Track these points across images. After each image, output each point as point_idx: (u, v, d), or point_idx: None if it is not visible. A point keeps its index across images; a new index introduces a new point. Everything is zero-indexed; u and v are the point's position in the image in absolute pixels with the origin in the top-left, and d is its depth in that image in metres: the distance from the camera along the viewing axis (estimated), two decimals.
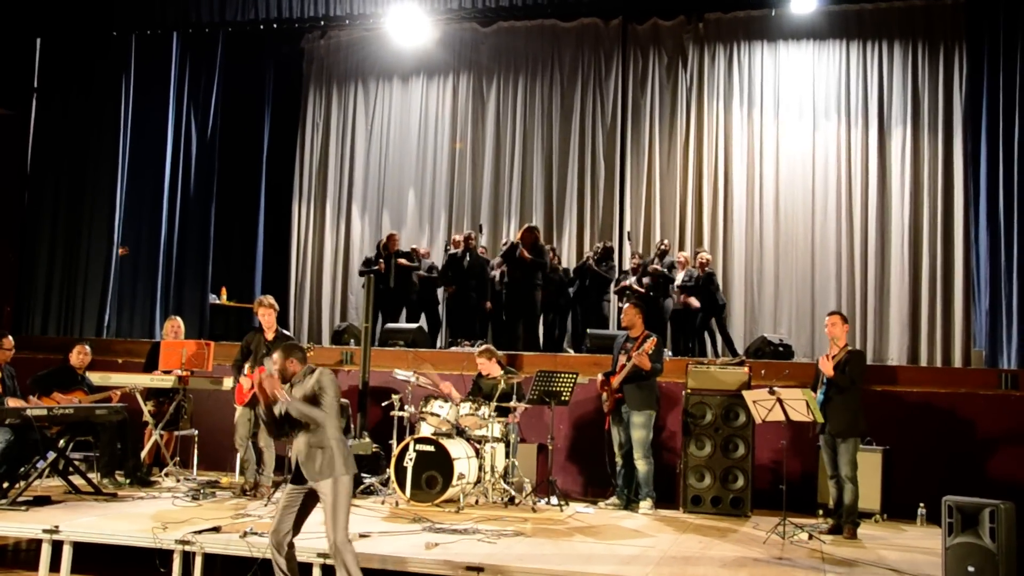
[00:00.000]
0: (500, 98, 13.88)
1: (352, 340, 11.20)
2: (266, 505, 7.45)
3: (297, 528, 5.27)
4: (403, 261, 11.94)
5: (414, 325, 11.27)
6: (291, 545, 5.25)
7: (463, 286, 11.63)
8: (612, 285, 11.80)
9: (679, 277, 11.48)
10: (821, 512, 7.99)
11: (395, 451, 8.09)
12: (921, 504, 7.90)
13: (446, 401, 8.27)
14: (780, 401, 6.97)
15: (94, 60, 12.19)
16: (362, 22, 11.49)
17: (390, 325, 11.47)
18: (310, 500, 5.25)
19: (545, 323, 11.88)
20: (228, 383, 8.39)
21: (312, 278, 14.37)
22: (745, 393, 7.49)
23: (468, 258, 11.66)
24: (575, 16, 13.42)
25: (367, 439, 8.71)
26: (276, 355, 5.32)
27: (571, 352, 11.34)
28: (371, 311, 9.52)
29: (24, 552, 7.17)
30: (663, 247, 11.88)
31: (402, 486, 7.89)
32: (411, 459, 7.89)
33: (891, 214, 12.27)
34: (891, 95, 12.42)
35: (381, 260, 11.88)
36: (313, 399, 5.17)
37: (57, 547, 6.23)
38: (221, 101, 13.38)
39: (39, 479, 7.68)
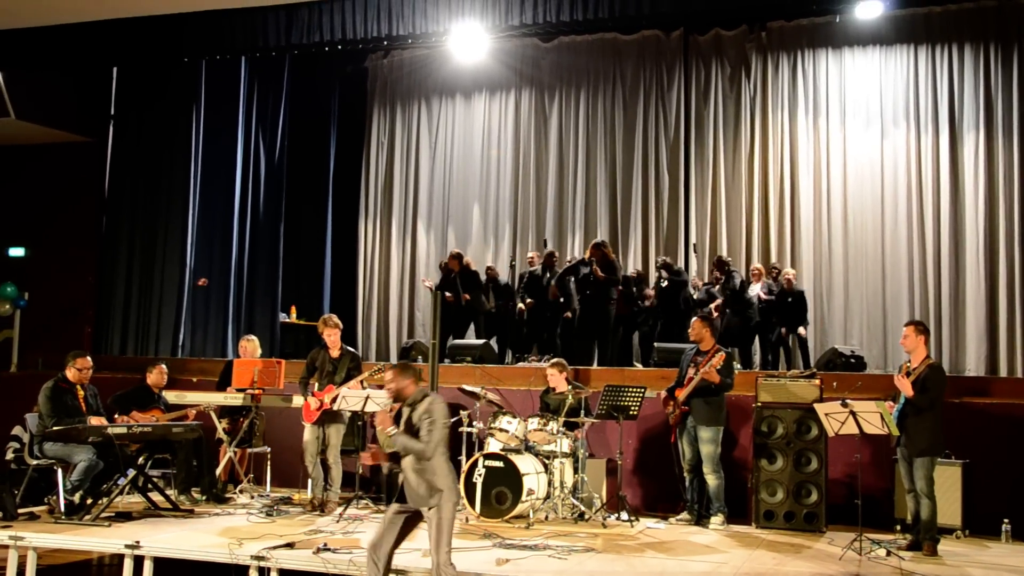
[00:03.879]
0: (562, 113, 13.90)
1: (420, 356, 11.30)
2: (337, 521, 7.54)
3: (397, 544, 5.35)
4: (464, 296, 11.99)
5: (481, 341, 11.32)
6: (389, 560, 5.32)
7: (541, 303, 11.59)
8: (688, 290, 11.66)
9: (756, 289, 11.31)
10: (899, 528, 7.79)
11: (464, 467, 8.12)
12: (1005, 520, 7.66)
13: (514, 417, 8.29)
14: (854, 414, 6.83)
15: (166, 86, 12.57)
16: (424, 41, 11.59)
17: (457, 341, 11.54)
18: (414, 519, 5.33)
19: (621, 337, 11.79)
20: (298, 401, 8.52)
21: (379, 295, 14.53)
22: (817, 406, 7.35)
23: (548, 275, 11.65)
24: (636, 29, 13.37)
25: None
26: (389, 375, 5.36)
27: (639, 366, 11.27)
28: (438, 327, 9.59)
29: (107, 567, 7.38)
30: (725, 267, 11.62)
31: (472, 502, 7.92)
32: (480, 475, 7.92)
33: (965, 221, 11.95)
34: (962, 99, 12.12)
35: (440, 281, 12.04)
36: (418, 427, 5.24)
37: (138, 562, 6.40)
38: (288, 122, 13.71)
39: (120, 496, 7.88)
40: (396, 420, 5.33)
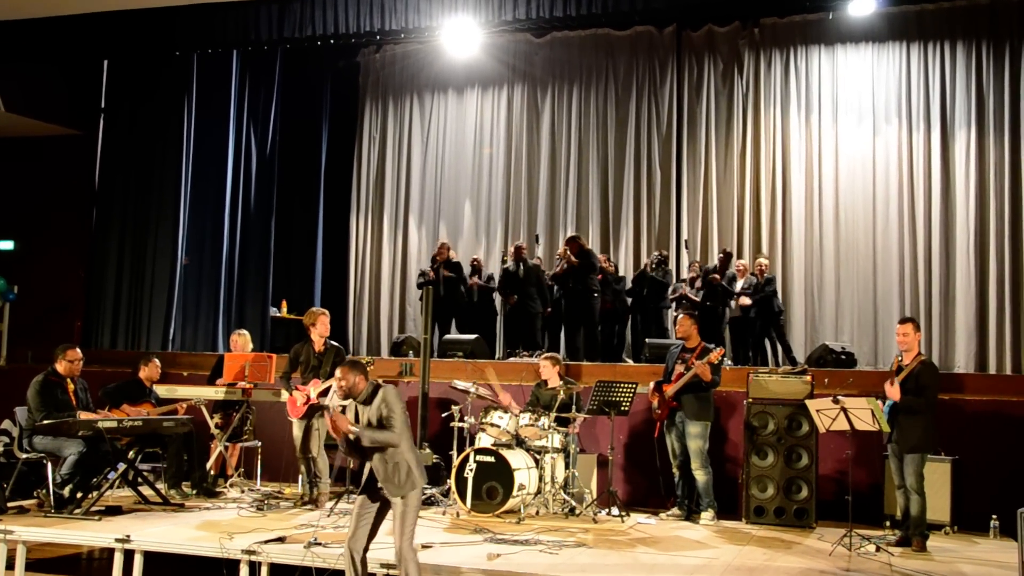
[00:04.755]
0: (555, 108, 13.89)
1: (411, 352, 11.30)
2: (328, 515, 7.52)
3: (371, 537, 5.36)
4: (447, 273, 12.02)
5: (472, 336, 11.31)
6: (365, 552, 5.33)
7: (521, 296, 11.62)
8: (669, 292, 11.72)
9: (738, 285, 11.37)
10: (888, 524, 7.84)
11: (455, 462, 8.12)
12: (994, 516, 7.69)
13: (506, 412, 8.29)
14: (844, 410, 6.86)
15: (158, 79, 12.51)
16: (417, 35, 11.57)
17: (448, 336, 11.54)
18: (383, 510, 5.34)
19: (604, 333, 11.83)
20: (285, 395, 8.51)
21: (370, 290, 14.50)
22: (808, 402, 7.38)
23: (522, 268, 11.68)
24: (629, 25, 13.34)
25: (427, 450, 8.76)
26: (339, 373, 5.37)
27: (630, 362, 11.29)
28: (429, 322, 9.59)
29: (97, 560, 7.36)
30: (724, 254, 11.68)
31: (463, 497, 7.92)
32: (471, 470, 7.92)
33: (955, 218, 11.98)
34: (954, 97, 12.14)
35: (431, 270, 12.05)
36: (381, 420, 5.24)
37: (129, 556, 6.38)
38: (279, 116, 13.66)
39: (110, 489, 7.85)
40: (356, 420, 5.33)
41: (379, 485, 5.26)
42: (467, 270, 12.63)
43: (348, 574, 5.28)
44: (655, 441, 8.36)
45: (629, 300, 11.98)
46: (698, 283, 11.56)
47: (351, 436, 5.21)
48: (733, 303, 11.36)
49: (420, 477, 5.27)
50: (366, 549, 5.34)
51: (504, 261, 12.31)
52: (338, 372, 5.40)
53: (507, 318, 12.07)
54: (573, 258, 11.05)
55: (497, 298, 12.46)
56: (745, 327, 11.46)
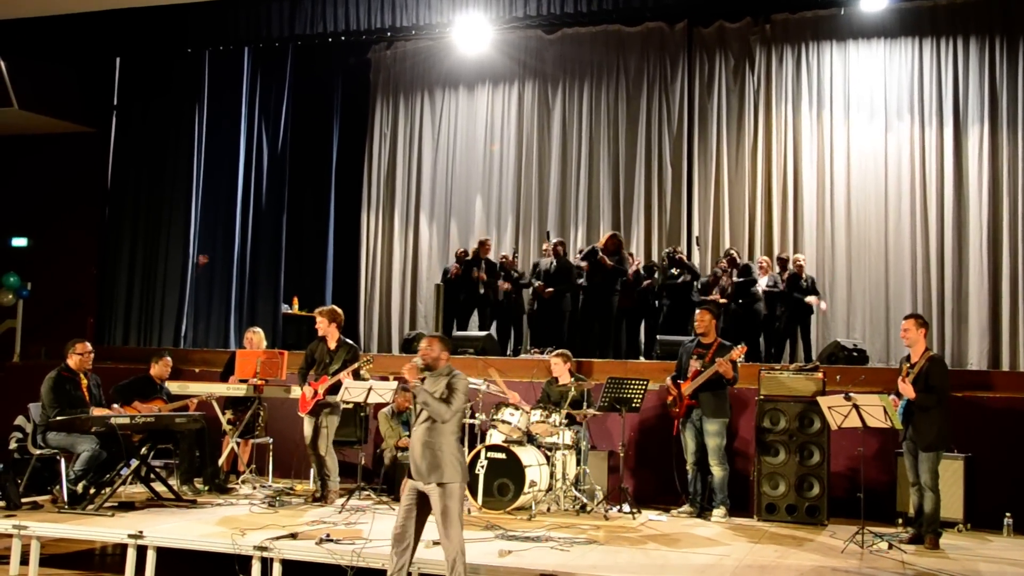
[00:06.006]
0: (565, 105, 13.87)
1: None
2: (339, 512, 7.54)
3: (418, 532, 5.29)
4: (481, 275, 11.97)
5: (483, 333, 11.31)
6: (415, 544, 5.27)
7: (554, 292, 11.57)
8: (695, 294, 11.65)
9: (763, 282, 11.33)
10: (900, 521, 7.80)
11: (466, 458, 8.12)
12: (1007, 514, 7.66)
13: (517, 408, 8.29)
14: (856, 407, 6.84)
15: (170, 77, 12.55)
16: (428, 32, 11.60)
17: (459, 333, 11.54)
18: (426, 503, 5.25)
19: (620, 329, 11.80)
20: (298, 392, 8.52)
21: (381, 287, 14.52)
22: (820, 399, 7.35)
23: (554, 264, 11.64)
24: (640, 21, 13.33)
25: None
26: (424, 343, 5.39)
27: (641, 359, 11.26)
28: (440, 319, 9.59)
29: (110, 556, 7.39)
30: (732, 256, 11.62)
31: (474, 493, 7.92)
32: (483, 466, 7.93)
33: (968, 214, 11.93)
34: (967, 92, 12.07)
35: (458, 266, 11.96)
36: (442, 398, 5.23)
37: (142, 552, 6.41)
38: (291, 113, 13.71)
39: (123, 486, 7.89)
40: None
41: (409, 466, 5.21)
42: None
43: (393, 570, 5.22)
44: (673, 439, 8.32)
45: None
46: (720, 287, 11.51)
47: (411, 384, 5.21)
48: (759, 292, 11.30)
49: (456, 471, 5.18)
50: (416, 542, 5.26)
51: (515, 257, 12.30)
52: (424, 342, 5.41)
53: (536, 315, 11.99)
54: (608, 260, 11.01)
55: (525, 295, 12.37)
56: (771, 324, 11.39)
